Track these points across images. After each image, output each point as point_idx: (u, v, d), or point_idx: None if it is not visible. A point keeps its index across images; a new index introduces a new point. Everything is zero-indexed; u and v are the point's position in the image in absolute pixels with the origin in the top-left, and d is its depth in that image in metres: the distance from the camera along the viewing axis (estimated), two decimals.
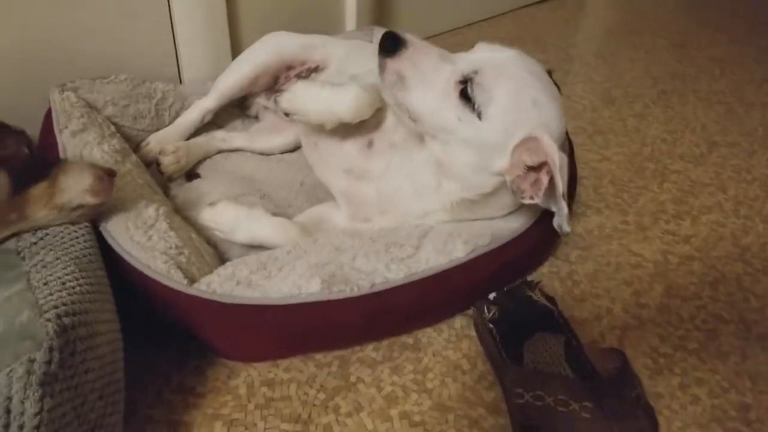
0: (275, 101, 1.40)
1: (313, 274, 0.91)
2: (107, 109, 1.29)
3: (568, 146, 1.09)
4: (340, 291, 0.91)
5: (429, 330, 1.03)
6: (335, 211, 1.16)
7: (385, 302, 0.94)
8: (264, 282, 0.91)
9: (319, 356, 0.98)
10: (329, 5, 1.79)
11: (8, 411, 0.59)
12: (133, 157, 1.21)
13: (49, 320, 0.66)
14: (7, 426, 0.58)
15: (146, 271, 0.89)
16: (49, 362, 0.62)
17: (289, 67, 1.39)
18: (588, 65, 2.08)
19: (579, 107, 1.79)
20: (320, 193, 1.26)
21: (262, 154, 1.42)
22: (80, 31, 1.34)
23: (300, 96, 1.04)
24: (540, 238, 1.05)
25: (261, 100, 1.45)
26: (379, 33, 1.62)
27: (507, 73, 0.90)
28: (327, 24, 1.77)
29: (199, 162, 1.37)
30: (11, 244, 0.85)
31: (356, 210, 1.12)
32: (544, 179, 0.90)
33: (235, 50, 1.59)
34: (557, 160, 0.88)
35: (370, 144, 1.11)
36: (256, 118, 1.51)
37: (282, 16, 1.66)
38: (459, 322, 1.05)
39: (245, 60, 1.40)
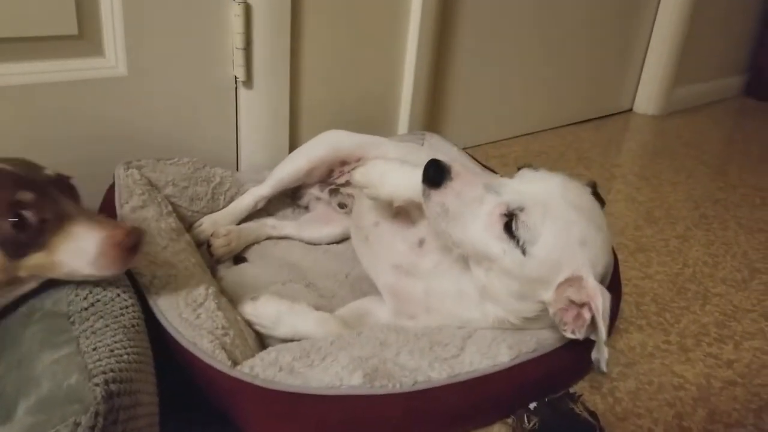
0: (328, 192, 1.45)
1: (356, 367, 0.90)
2: (167, 188, 1.34)
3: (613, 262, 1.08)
4: (382, 386, 0.88)
5: None
6: (379, 306, 1.16)
7: (426, 401, 0.91)
8: (306, 370, 0.90)
9: None
10: (384, 111, 1.88)
11: None
12: (187, 236, 1.25)
13: (97, 385, 0.65)
14: None
15: (192, 349, 0.89)
16: (92, 427, 0.62)
17: (344, 163, 1.45)
18: (631, 185, 2.11)
19: (621, 224, 1.80)
20: (365, 286, 1.26)
21: (309, 243, 1.45)
22: (150, 114, 1.43)
23: (377, 170, 1.09)
24: (585, 349, 1.02)
25: (314, 191, 1.50)
26: (430, 138, 1.70)
27: (553, 213, 0.89)
28: (381, 128, 1.86)
29: (248, 246, 1.40)
30: (63, 307, 0.87)
31: (402, 306, 1.11)
32: (587, 316, 0.90)
33: (293, 144, 1.67)
34: (600, 304, 0.88)
35: (421, 243, 1.13)
36: (306, 208, 1.56)
37: (340, 118, 1.75)
38: (497, 429, 1.00)
39: (302, 153, 1.46)
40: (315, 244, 1.45)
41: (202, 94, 1.50)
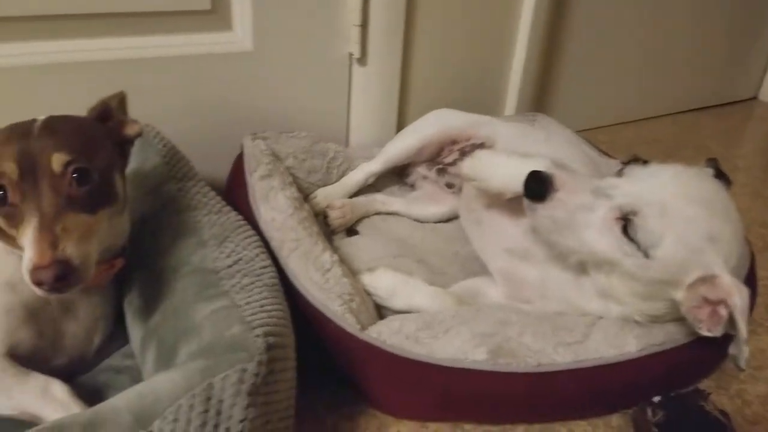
0: (436, 171, 1.46)
1: (480, 343, 0.91)
2: (288, 160, 1.39)
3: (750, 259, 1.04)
4: (507, 364, 0.90)
5: (583, 423, 0.99)
6: (491, 287, 1.17)
7: (549, 384, 0.91)
8: (430, 341, 0.92)
9: (468, 427, 0.96)
10: (492, 90, 1.87)
11: (219, 413, 0.62)
12: (307, 206, 1.29)
13: (258, 336, 0.70)
14: (216, 426, 0.62)
15: (323, 310, 0.93)
16: (257, 374, 0.66)
17: (454, 142, 1.45)
18: (756, 178, 1.98)
19: (746, 220, 1.69)
20: (474, 266, 1.27)
21: (417, 220, 1.46)
22: (271, 88, 1.48)
23: (485, 162, 1.07)
24: (715, 346, 0.99)
25: (421, 170, 1.52)
26: (542, 120, 1.67)
27: (672, 212, 0.84)
28: (487, 108, 1.84)
29: (359, 220, 1.43)
30: (209, 264, 0.93)
31: (515, 290, 1.11)
32: (723, 313, 0.85)
33: (401, 122, 1.69)
34: (737, 301, 0.82)
35: (534, 229, 1.11)
36: (412, 186, 1.57)
37: (447, 97, 1.75)
38: (616, 420, 0.99)
39: (413, 131, 1.47)
40: (422, 222, 1.46)
41: (319, 71, 1.53)
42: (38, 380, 0.83)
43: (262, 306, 0.79)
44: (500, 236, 1.16)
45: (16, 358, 0.85)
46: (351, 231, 1.41)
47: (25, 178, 0.77)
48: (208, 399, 0.63)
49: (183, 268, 0.92)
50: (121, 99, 0.93)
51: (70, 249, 0.74)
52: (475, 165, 1.07)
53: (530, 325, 0.97)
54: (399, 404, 0.96)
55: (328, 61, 1.54)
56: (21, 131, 0.81)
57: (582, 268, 0.97)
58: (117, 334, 1.01)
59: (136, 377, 0.94)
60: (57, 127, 0.83)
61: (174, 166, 1.12)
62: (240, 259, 0.93)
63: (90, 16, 1.25)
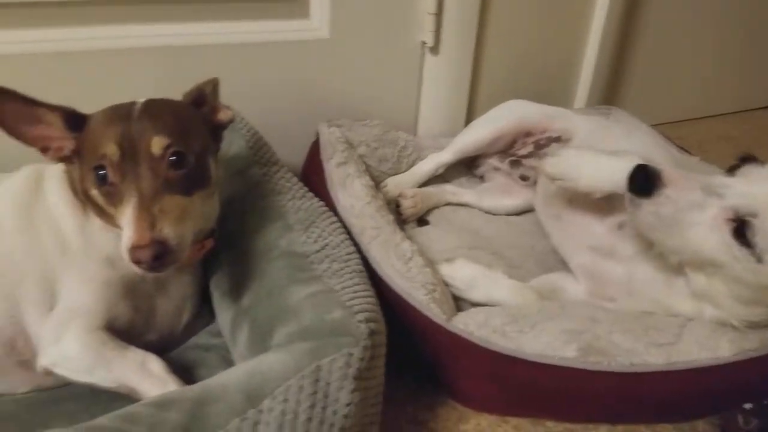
0: (509, 163, 1.44)
1: (569, 340, 0.90)
2: (360, 148, 1.39)
3: None
4: (597, 362, 0.88)
5: (669, 427, 0.97)
6: (571, 283, 1.14)
7: (639, 385, 0.90)
8: (517, 335, 0.91)
9: (550, 424, 0.95)
10: (563, 82, 1.83)
11: (326, 395, 0.63)
12: (380, 195, 1.29)
13: (361, 322, 0.70)
14: (324, 408, 0.62)
15: (408, 299, 0.93)
16: (362, 359, 0.67)
17: (528, 134, 1.43)
18: None
19: None
20: (551, 261, 1.25)
21: (488, 212, 1.45)
22: (345, 76, 1.48)
23: (571, 162, 1.04)
24: None
25: (493, 161, 1.50)
26: (616, 113, 1.63)
27: None
28: (557, 100, 1.80)
29: (429, 210, 1.43)
30: (297, 247, 0.93)
31: (599, 288, 1.09)
32: None
33: (469, 113, 1.67)
34: None
35: (621, 226, 1.08)
36: (481, 178, 1.56)
37: (517, 88, 1.72)
38: (702, 426, 0.97)
39: (487, 122, 1.45)
40: (493, 214, 1.45)
41: (391, 59, 1.53)
42: (136, 355, 0.85)
43: (356, 292, 0.79)
44: (583, 233, 1.14)
45: (114, 332, 0.87)
46: (421, 221, 1.40)
47: (126, 159, 0.79)
48: (317, 381, 0.64)
49: (272, 252, 0.93)
50: (214, 85, 0.93)
51: (167, 230, 0.76)
52: (560, 164, 1.04)
53: (618, 323, 0.95)
54: (480, 397, 0.96)
55: (400, 50, 1.53)
56: (122, 113, 0.84)
57: (678, 267, 0.94)
58: (202, 313, 1.03)
59: (224, 355, 0.96)
60: (156, 111, 0.85)
61: (258, 152, 1.13)
62: (327, 245, 0.93)
63: (179, 1, 1.27)
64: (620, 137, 1.34)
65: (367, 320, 0.71)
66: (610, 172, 0.96)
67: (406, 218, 1.35)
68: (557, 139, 1.40)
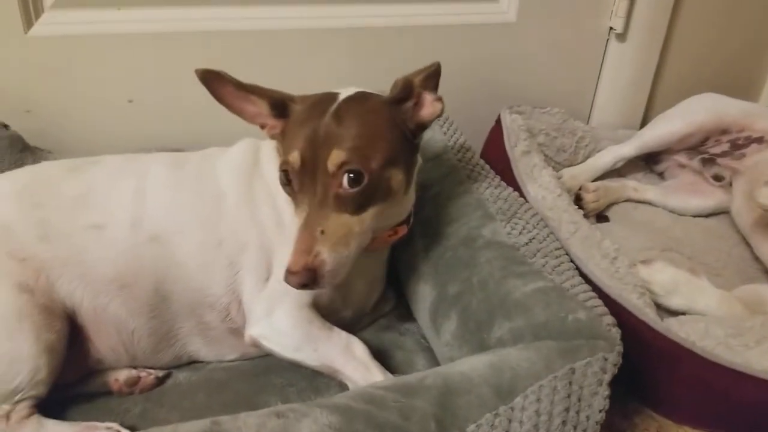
0: (701, 161, 1.34)
1: None
2: (539, 136, 1.35)
3: None
4: None
5: None
6: None
7: None
8: (743, 350, 0.84)
9: None
10: (748, 77, 1.68)
11: (579, 399, 0.60)
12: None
13: (610, 326, 0.66)
14: (578, 412, 0.60)
15: (620, 300, 0.88)
16: (615, 365, 0.63)
17: (724, 132, 1.32)
18: None
19: None
20: (752, 270, 1.16)
21: (672, 211, 1.36)
22: (527, 61, 1.44)
23: None
24: None
25: (678, 158, 1.40)
26: None
27: None
28: (740, 95, 1.66)
29: (608, 206, 1.36)
30: (503, 238, 0.91)
31: None
32: None
33: (649, 105, 1.57)
34: None
35: None
36: (661, 175, 1.46)
37: (701, 81, 1.59)
38: None
39: (679, 116, 1.36)
40: (679, 214, 1.35)
41: (575, 45, 1.46)
42: (341, 336, 0.86)
43: (585, 291, 0.75)
44: None
45: (317, 308, 0.89)
46: (601, 217, 1.34)
47: (305, 169, 0.78)
48: (570, 384, 0.61)
49: (476, 241, 0.91)
50: (434, 71, 0.84)
51: (324, 254, 0.74)
52: None
53: None
54: (686, 409, 0.90)
55: (586, 36, 1.46)
56: (317, 113, 0.81)
57: None
58: (386, 294, 1.04)
59: (418, 340, 0.96)
60: (345, 118, 0.79)
61: (452, 137, 1.12)
62: (534, 238, 0.90)
63: None
64: None
65: (614, 324, 0.68)
66: None
67: (587, 213, 1.29)
68: (759, 140, 1.29)
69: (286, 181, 0.80)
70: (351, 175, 0.76)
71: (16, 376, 0.76)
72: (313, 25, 1.26)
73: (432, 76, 0.85)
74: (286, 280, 0.74)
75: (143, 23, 1.17)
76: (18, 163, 1.05)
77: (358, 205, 0.78)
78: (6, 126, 1.11)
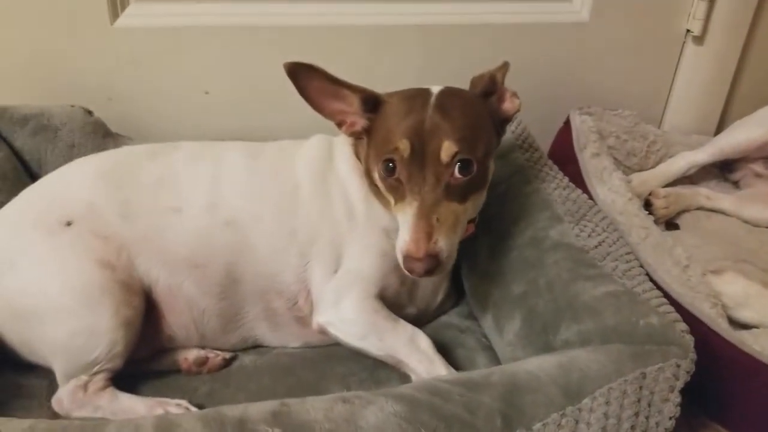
0: None
1: None
2: (609, 139, 1.32)
3: None
4: None
5: None
6: None
7: None
8: None
9: None
10: None
11: (650, 404, 0.59)
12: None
13: (684, 332, 0.65)
14: (647, 418, 0.59)
15: (691, 309, 0.86)
16: (688, 372, 0.62)
17: None
18: None
19: None
20: None
21: (746, 222, 1.31)
22: (599, 61, 1.41)
23: None
24: None
25: (755, 167, 1.35)
26: None
27: None
28: None
29: (679, 213, 1.32)
30: (571, 240, 0.90)
31: None
32: None
33: (726, 111, 1.52)
34: None
35: None
36: (736, 184, 1.41)
37: None
38: None
39: (758, 123, 1.31)
40: (753, 225, 1.30)
41: (649, 47, 1.43)
42: (406, 328, 0.87)
43: (657, 297, 0.74)
44: None
45: (383, 301, 0.90)
46: (671, 224, 1.30)
47: (414, 158, 0.80)
48: (640, 388, 0.60)
49: (544, 242, 0.90)
50: (505, 71, 0.89)
51: (441, 242, 0.76)
52: None
53: None
54: (758, 425, 0.86)
55: (661, 38, 1.42)
56: (417, 105, 0.83)
57: None
58: (450, 293, 1.04)
59: (479, 339, 0.96)
60: (449, 109, 0.82)
61: (519, 135, 1.11)
62: (603, 241, 0.89)
63: None
64: None
65: (687, 331, 0.66)
66: None
67: (657, 219, 1.25)
68: None
69: (390, 171, 0.82)
70: (462, 164, 0.79)
71: (95, 349, 0.80)
72: (385, 21, 1.28)
73: (504, 73, 0.90)
74: (408, 266, 0.77)
75: (221, 17, 1.21)
76: (101, 148, 1.10)
77: (464, 193, 0.81)
78: (90, 112, 1.17)
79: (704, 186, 1.41)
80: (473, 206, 0.86)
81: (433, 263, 0.76)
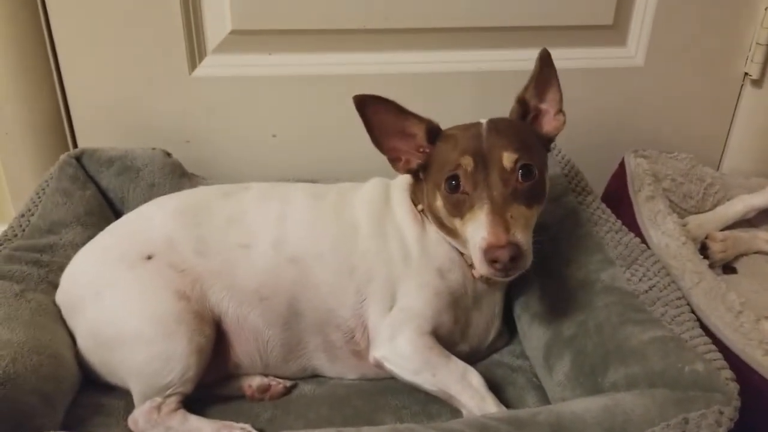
0: None
1: None
2: (665, 182, 1.32)
3: None
4: None
5: None
6: None
7: None
8: None
9: None
10: None
11: None
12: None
13: (728, 380, 0.66)
14: None
15: (743, 357, 0.86)
16: (731, 419, 0.63)
17: None
18: None
19: None
20: None
21: None
22: (653, 105, 1.43)
23: None
24: None
25: None
26: None
27: None
28: None
29: (737, 257, 1.30)
30: (622, 284, 0.92)
31: None
32: None
33: None
34: None
35: None
36: None
37: None
38: None
39: None
40: None
41: (706, 90, 1.44)
42: (458, 365, 0.90)
43: (706, 344, 0.75)
44: None
45: (436, 339, 0.94)
46: (728, 268, 1.29)
47: (478, 170, 0.87)
48: None
49: (594, 285, 0.93)
50: (538, 77, 0.97)
51: (519, 235, 0.81)
52: None
53: None
54: None
55: (718, 81, 1.43)
56: (472, 131, 0.92)
57: None
58: (503, 331, 1.06)
59: (530, 378, 0.98)
60: (502, 129, 0.92)
61: (573, 179, 1.14)
62: (654, 286, 0.90)
63: (493, 29, 1.34)
64: None
65: (732, 378, 0.67)
66: None
67: (713, 263, 1.25)
68: None
69: (455, 188, 0.88)
70: (524, 170, 0.86)
71: (170, 373, 0.88)
72: (441, 69, 1.34)
73: (539, 83, 0.97)
74: (492, 256, 0.80)
75: (289, 67, 1.31)
76: (178, 187, 1.20)
77: (529, 199, 0.87)
78: (169, 154, 1.27)
79: (764, 229, 1.39)
80: (535, 217, 0.90)
81: (516, 251, 0.79)
